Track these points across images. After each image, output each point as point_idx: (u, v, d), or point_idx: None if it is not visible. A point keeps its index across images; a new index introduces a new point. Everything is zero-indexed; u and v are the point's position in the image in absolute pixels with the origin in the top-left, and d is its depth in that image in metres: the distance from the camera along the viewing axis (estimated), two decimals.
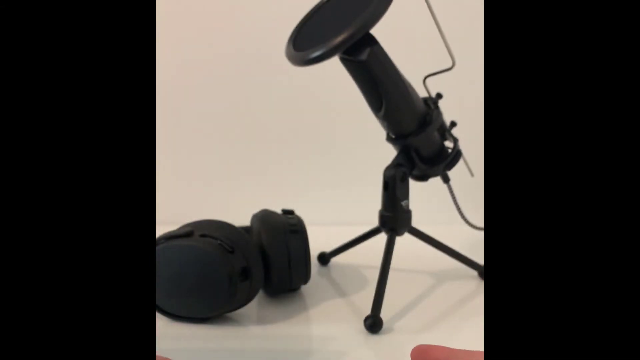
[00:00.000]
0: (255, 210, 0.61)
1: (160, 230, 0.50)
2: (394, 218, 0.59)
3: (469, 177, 0.68)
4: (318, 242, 0.66)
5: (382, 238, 0.60)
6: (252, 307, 0.56)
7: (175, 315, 0.52)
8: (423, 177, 0.63)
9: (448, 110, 0.62)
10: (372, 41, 0.51)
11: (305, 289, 0.62)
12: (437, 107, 0.59)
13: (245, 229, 0.59)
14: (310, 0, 0.57)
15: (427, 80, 0.61)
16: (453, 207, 0.68)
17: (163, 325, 0.51)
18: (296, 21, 0.56)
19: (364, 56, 0.50)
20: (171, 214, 0.74)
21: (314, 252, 0.63)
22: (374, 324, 0.51)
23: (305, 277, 0.57)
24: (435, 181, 0.65)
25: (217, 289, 0.50)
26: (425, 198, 0.67)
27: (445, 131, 0.61)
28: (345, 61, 0.53)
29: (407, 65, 0.56)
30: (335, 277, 0.67)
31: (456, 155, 0.62)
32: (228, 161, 0.89)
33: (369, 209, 0.64)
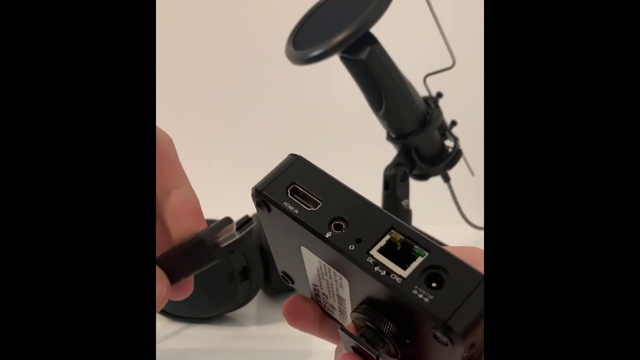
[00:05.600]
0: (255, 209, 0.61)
1: None
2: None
3: (469, 177, 0.68)
4: None
5: None
6: (252, 307, 0.56)
7: (175, 315, 0.52)
8: (423, 177, 0.63)
9: (448, 110, 0.62)
10: (372, 40, 0.51)
11: None
12: (437, 106, 0.59)
13: None
14: None
15: (428, 79, 0.60)
16: (453, 207, 0.68)
17: (163, 325, 0.51)
18: (296, 20, 0.56)
19: (363, 55, 0.50)
20: None
21: None
22: None
23: None
24: (436, 180, 0.64)
25: (217, 288, 0.50)
26: (425, 197, 0.67)
27: (445, 130, 0.61)
28: (345, 60, 0.52)
29: (407, 64, 0.56)
30: None
31: (457, 154, 0.62)
32: (227, 160, 0.89)
33: None
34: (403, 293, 0.21)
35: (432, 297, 0.20)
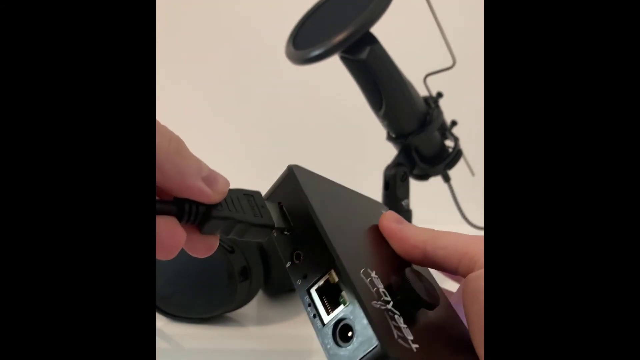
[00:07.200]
0: None
1: None
2: None
3: (469, 177, 0.68)
4: None
5: None
6: (252, 307, 0.56)
7: (175, 315, 0.52)
8: (424, 177, 0.63)
9: (448, 110, 0.62)
10: (372, 40, 0.51)
11: None
12: (437, 106, 0.59)
13: None
14: None
15: (428, 79, 0.60)
16: (454, 207, 0.68)
17: (163, 325, 0.51)
18: (296, 20, 0.56)
19: (364, 55, 0.50)
20: None
21: None
22: None
23: None
24: (436, 180, 0.64)
25: (217, 288, 0.50)
26: (425, 197, 0.67)
27: (445, 130, 0.61)
28: (345, 60, 0.52)
29: (408, 64, 0.56)
30: None
31: (457, 154, 0.62)
32: (227, 160, 0.89)
33: None
34: (320, 338, 0.22)
35: (335, 351, 0.21)
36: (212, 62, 0.87)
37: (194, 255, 0.24)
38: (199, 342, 0.49)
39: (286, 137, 0.88)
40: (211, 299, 0.50)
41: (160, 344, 0.47)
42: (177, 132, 0.27)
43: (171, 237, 0.21)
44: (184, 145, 0.22)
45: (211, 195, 0.22)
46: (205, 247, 0.24)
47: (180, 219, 0.22)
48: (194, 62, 0.87)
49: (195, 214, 0.22)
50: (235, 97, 0.88)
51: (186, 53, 0.87)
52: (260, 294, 0.60)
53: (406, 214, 0.59)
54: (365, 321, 0.21)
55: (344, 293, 0.22)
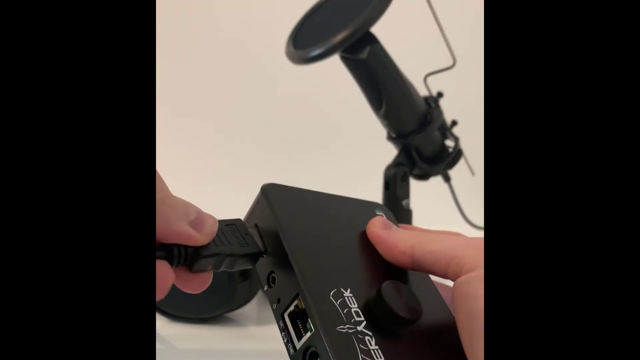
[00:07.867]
0: None
1: None
2: (395, 217, 0.58)
3: (469, 177, 0.68)
4: None
5: None
6: (252, 307, 0.56)
7: (175, 316, 0.52)
8: (424, 177, 0.63)
9: (449, 109, 0.62)
10: (373, 39, 0.51)
11: None
12: (437, 106, 0.59)
13: None
14: None
15: (428, 78, 0.60)
16: (454, 207, 0.67)
17: (163, 325, 0.51)
18: (296, 20, 0.56)
19: (364, 55, 0.50)
20: None
21: None
22: None
23: None
24: (436, 180, 0.64)
25: (217, 288, 0.50)
26: (425, 197, 0.67)
27: (446, 130, 0.61)
28: (345, 60, 0.52)
29: (408, 63, 0.56)
30: None
31: (457, 154, 0.62)
32: (227, 161, 0.89)
33: None
34: None
35: None
36: (210, 62, 0.87)
37: (189, 292, 0.24)
38: (199, 342, 0.49)
39: (286, 137, 0.88)
40: (211, 299, 0.50)
41: (160, 344, 0.47)
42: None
43: (160, 280, 0.22)
44: (169, 191, 0.22)
45: (199, 239, 0.22)
46: (198, 283, 0.24)
47: (171, 263, 0.22)
48: (193, 62, 0.87)
49: (185, 255, 0.22)
50: (233, 98, 0.88)
51: (186, 53, 0.87)
52: (260, 294, 0.60)
53: (406, 214, 0.59)
54: (326, 349, 0.21)
55: (309, 320, 0.22)
